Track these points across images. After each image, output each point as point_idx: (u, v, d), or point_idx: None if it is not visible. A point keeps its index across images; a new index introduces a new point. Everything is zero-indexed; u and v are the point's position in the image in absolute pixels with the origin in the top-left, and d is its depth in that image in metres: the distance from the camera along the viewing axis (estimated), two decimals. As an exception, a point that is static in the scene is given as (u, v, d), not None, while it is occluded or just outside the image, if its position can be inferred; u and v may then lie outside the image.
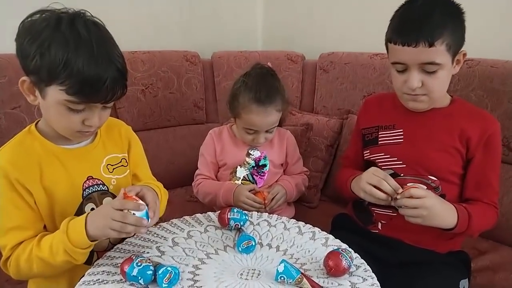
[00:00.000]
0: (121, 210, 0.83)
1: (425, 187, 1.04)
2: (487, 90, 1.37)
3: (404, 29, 1.02)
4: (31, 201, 0.91)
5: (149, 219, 0.86)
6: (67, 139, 0.96)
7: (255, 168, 1.21)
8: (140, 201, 0.86)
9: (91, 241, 0.84)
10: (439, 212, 1.00)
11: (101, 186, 1.00)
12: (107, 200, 1.00)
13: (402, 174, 1.13)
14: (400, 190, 1.01)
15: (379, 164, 1.18)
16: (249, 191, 1.28)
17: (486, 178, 1.10)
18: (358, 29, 1.92)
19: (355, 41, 1.91)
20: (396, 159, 1.15)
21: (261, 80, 1.30)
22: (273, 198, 1.30)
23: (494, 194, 1.12)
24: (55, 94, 0.84)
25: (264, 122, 1.30)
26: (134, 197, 0.87)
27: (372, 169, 1.09)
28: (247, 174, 1.30)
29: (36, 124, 0.97)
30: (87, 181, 0.98)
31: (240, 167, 1.22)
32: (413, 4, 1.05)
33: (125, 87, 0.90)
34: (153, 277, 0.81)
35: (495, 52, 1.40)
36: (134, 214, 0.83)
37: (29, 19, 0.84)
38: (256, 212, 1.14)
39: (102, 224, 0.83)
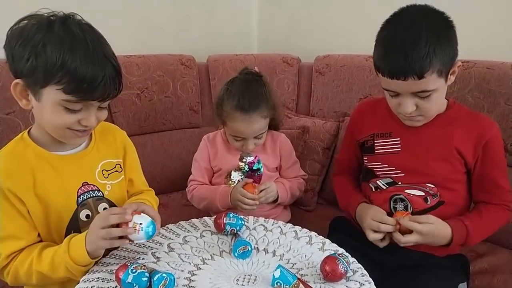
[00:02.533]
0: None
1: (424, 193, 1.05)
2: (483, 91, 1.37)
3: (390, 61, 0.98)
4: (24, 210, 0.90)
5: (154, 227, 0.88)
6: (61, 145, 0.95)
7: (249, 172, 1.20)
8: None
9: (92, 259, 0.85)
10: (434, 239, 1.03)
11: (96, 192, 0.99)
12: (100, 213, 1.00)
13: (400, 183, 1.13)
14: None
15: (377, 173, 1.18)
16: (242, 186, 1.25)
17: (492, 180, 1.10)
18: (354, 31, 1.92)
19: (350, 43, 1.91)
20: (394, 168, 1.15)
21: (244, 87, 1.28)
22: (262, 191, 1.27)
23: (505, 193, 1.11)
24: (52, 94, 0.83)
25: (250, 130, 1.28)
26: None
27: (372, 213, 1.09)
28: (241, 178, 1.29)
29: (29, 131, 0.96)
30: (82, 187, 0.97)
31: (234, 171, 1.21)
32: (397, 28, 1.00)
33: (121, 84, 0.90)
34: (148, 283, 0.81)
35: (491, 54, 1.41)
36: (141, 224, 0.86)
37: (18, 24, 0.84)
38: (252, 218, 1.14)
39: (95, 244, 0.84)
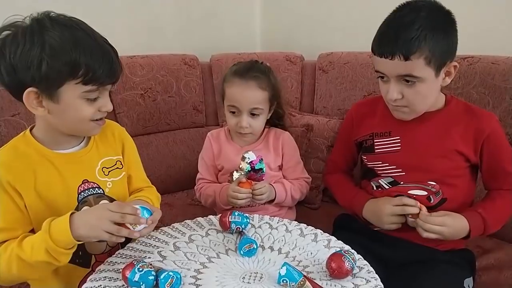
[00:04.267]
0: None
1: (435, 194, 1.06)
2: (488, 87, 1.36)
3: (381, 40, 1.02)
4: (21, 204, 0.90)
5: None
6: (62, 144, 0.96)
7: (251, 172, 1.20)
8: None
9: (77, 241, 0.82)
10: (453, 231, 1.04)
11: (96, 189, 1.00)
12: (103, 202, 0.99)
13: (402, 182, 1.13)
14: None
15: (378, 172, 1.18)
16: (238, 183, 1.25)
17: (501, 168, 1.11)
18: (357, 28, 1.91)
19: (354, 41, 1.90)
20: (394, 167, 1.14)
21: (250, 62, 1.34)
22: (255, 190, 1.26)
23: None
24: (71, 91, 0.85)
25: (245, 96, 1.28)
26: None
27: (390, 201, 1.09)
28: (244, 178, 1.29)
29: (31, 130, 0.96)
30: (82, 185, 0.98)
31: (237, 171, 1.21)
32: (397, 14, 1.03)
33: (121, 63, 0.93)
34: (155, 282, 0.81)
35: (496, 49, 1.40)
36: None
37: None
38: (257, 216, 1.14)
39: (95, 224, 0.82)
